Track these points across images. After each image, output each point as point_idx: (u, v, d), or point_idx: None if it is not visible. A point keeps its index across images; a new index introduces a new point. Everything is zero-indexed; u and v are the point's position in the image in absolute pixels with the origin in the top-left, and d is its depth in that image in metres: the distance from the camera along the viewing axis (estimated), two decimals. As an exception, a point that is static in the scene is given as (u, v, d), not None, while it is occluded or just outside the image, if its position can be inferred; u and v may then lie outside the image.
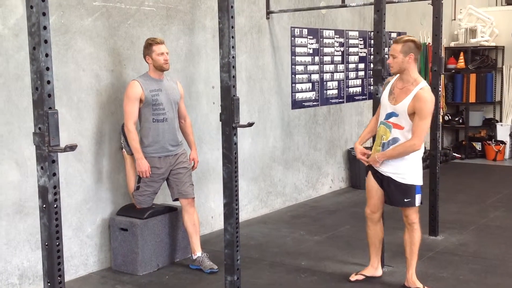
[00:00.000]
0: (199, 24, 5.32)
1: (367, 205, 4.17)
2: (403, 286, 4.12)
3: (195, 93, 5.34)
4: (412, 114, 3.80)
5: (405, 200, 3.92)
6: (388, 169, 3.93)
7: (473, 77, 9.63)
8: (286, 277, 4.38)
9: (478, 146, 9.75)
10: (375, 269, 4.31)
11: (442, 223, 5.46)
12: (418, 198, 3.94)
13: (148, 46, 4.38)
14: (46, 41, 2.22)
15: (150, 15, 4.82)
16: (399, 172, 3.90)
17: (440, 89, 5.27)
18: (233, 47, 3.11)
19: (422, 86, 3.84)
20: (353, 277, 4.29)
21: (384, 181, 3.98)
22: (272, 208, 6.30)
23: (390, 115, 3.92)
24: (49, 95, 2.24)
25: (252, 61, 5.97)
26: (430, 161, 5.38)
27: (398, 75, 3.96)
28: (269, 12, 6.11)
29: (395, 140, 3.88)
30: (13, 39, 3.89)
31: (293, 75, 6.54)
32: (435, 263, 4.63)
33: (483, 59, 9.66)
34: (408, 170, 3.90)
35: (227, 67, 3.11)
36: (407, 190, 3.91)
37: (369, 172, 4.09)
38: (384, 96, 3.99)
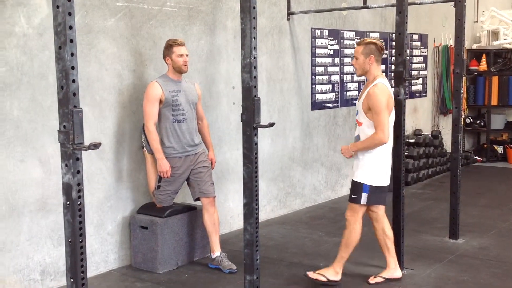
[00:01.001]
0: (220, 24, 5.35)
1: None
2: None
3: (216, 93, 5.36)
4: (368, 111, 3.95)
5: (352, 196, 4.08)
6: (353, 173, 4.12)
7: (495, 79, 9.53)
8: (305, 278, 4.38)
9: (499, 149, 9.64)
10: (393, 270, 4.30)
11: (463, 226, 5.42)
12: (364, 197, 4.02)
13: (169, 47, 4.41)
14: (71, 41, 2.25)
15: (172, 15, 4.86)
16: (353, 170, 4.10)
17: (462, 91, 5.22)
18: (254, 47, 3.11)
19: (376, 83, 3.97)
20: (372, 280, 4.27)
21: None
22: (291, 209, 6.30)
23: (356, 113, 4.14)
24: (74, 94, 2.27)
25: (272, 61, 5.98)
26: (451, 164, 5.34)
27: None
28: (290, 13, 6.11)
29: (358, 137, 4.09)
30: (38, 38, 3.95)
31: (313, 76, 6.53)
32: (455, 267, 4.59)
33: (506, 62, 9.56)
34: (360, 168, 4.03)
35: (249, 68, 3.11)
36: (355, 186, 4.06)
37: None
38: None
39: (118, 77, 4.49)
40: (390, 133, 4.02)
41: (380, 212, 4.22)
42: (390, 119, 3.99)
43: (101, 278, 4.39)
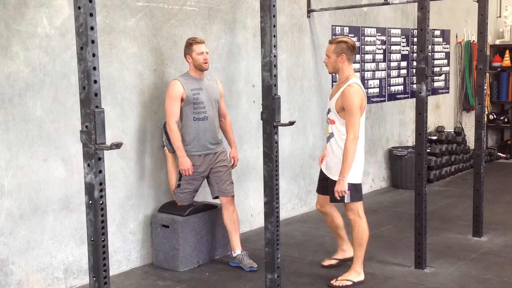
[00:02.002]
0: (240, 23, 5.35)
1: (316, 200, 4.47)
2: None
3: (236, 91, 5.37)
4: (341, 111, 4.00)
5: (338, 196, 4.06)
6: (328, 171, 4.17)
7: (519, 75, 9.39)
8: (326, 276, 4.36)
9: (523, 145, 9.50)
10: (344, 252, 4.54)
11: (487, 224, 5.35)
12: (347, 195, 4.04)
13: (189, 45, 4.42)
14: (93, 41, 2.26)
15: (192, 14, 4.87)
16: (332, 171, 4.12)
17: (485, 87, 5.16)
18: (274, 46, 3.10)
19: (351, 83, 4.02)
20: (326, 262, 4.52)
21: (327, 181, 4.20)
22: (312, 207, 6.27)
23: (328, 111, 4.19)
24: (96, 94, 2.28)
25: (292, 59, 5.97)
26: (474, 161, 5.27)
27: None
28: (310, 11, 6.09)
29: (331, 134, 4.14)
30: (60, 39, 3.99)
31: (333, 74, 6.49)
32: (479, 265, 4.53)
33: (530, 57, 9.40)
34: (338, 168, 4.03)
35: (269, 66, 3.11)
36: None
37: (320, 173, 4.36)
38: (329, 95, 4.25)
39: (139, 76, 4.51)
40: (362, 132, 4.07)
41: (327, 207, 4.38)
42: (361, 119, 4.04)
43: (123, 276, 4.43)
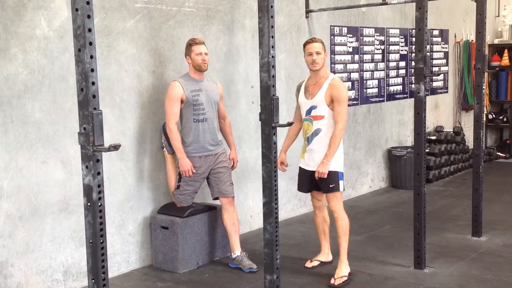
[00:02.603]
0: (238, 24, 5.35)
1: (311, 196, 4.54)
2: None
3: (234, 92, 5.37)
4: (330, 103, 4.20)
5: (330, 186, 4.23)
6: (316, 165, 4.26)
7: (517, 74, 9.39)
8: (326, 277, 4.37)
9: (523, 145, 9.50)
10: (327, 255, 4.65)
11: (486, 223, 5.35)
12: (341, 184, 4.27)
13: (188, 46, 4.43)
14: (91, 43, 2.26)
15: (191, 16, 4.87)
16: (317, 161, 4.26)
17: (483, 87, 5.15)
18: (272, 46, 3.11)
19: (333, 77, 4.30)
20: (309, 264, 4.57)
21: (314, 175, 4.29)
22: (311, 207, 6.25)
23: (309, 110, 4.29)
24: (94, 96, 2.28)
25: (291, 60, 5.97)
26: (473, 160, 5.27)
27: (307, 78, 4.41)
28: (308, 11, 6.09)
29: (317, 131, 4.26)
30: (58, 41, 3.99)
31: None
32: (478, 265, 4.53)
33: (528, 56, 9.41)
34: (333, 162, 4.21)
35: (267, 67, 3.11)
36: (331, 176, 4.22)
37: (300, 172, 4.47)
38: (301, 97, 4.38)
39: (138, 78, 4.51)
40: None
41: (324, 201, 4.49)
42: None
43: (123, 278, 4.42)
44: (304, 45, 4.34)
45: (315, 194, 4.49)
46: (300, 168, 4.45)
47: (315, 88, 4.27)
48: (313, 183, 4.37)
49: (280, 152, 4.44)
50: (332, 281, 4.23)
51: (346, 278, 4.24)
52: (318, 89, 4.25)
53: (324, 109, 4.22)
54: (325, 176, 4.17)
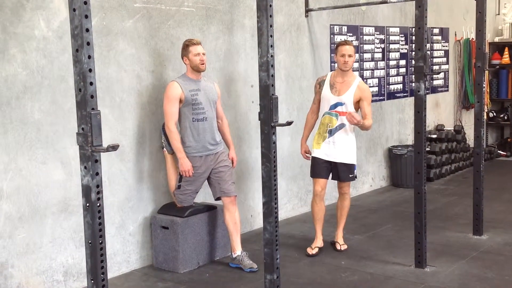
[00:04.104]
0: (238, 23, 5.34)
1: (317, 183, 4.84)
2: (332, 242, 5.04)
3: (234, 92, 5.36)
4: (356, 102, 4.69)
5: (350, 176, 4.84)
6: (340, 157, 4.77)
7: (518, 72, 9.38)
8: (326, 276, 4.36)
9: (524, 143, 9.48)
10: (322, 241, 4.99)
11: (487, 222, 5.34)
12: (356, 174, 4.96)
13: (185, 47, 4.42)
14: (88, 43, 2.26)
15: (190, 15, 4.86)
16: (347, 156, 4.78)
17: (484, 85, 5.14)
18: (271, 46, 3.10)
19: (360, 80, 4.78)
20: (310, 251, 4.87)
21: (334, 165, 4.80)
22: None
23: (335, 105, 4.72)
24: (92, 96, 2.28)
25: (291, 59, 5.96)
26: (474, 159, 5.26)
27: (332, 72, 4.88)
28: (308, 10, 6.08)
29: (342, 125, 4.72)
30: (57, 41, 3.98)
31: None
32: (479, 263, 4.53)
33: (529, 54, 9.39)
34: (348, 151, 4.79)
35: (266, 66, 3.10)
36: (351, 168, 4.83)
37: (317, 161, 4.83)
38: (326, 91, 4.76)
39: (137, 78, 4.51)
40: None
41: (325, 191, 4.95)
42: None
43: (123, 279, 4.42)
44: (337, 46, 4.75)
45: (321, 183, 4.84)
46: (316, 158, 4.83)
47: (343, 86, 4.70)
48: (328, 172, 4.84)
49: (301, 143, 4.98)
50: (338, 246, 4.94)
51: (346, 246, 4.98)
52: (347, 88, 4.69)
53: (351, 107, 4.67)
54: (354, 119, 4.49)
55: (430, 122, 8.21)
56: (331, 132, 4.72)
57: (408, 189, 6.96)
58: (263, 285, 3.39)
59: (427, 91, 4.37)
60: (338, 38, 6.51)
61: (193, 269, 4.55)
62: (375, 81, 7.13)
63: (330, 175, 4.88)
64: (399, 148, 7.32)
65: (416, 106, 4.36)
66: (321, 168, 4.80)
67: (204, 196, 4.97)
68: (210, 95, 4.52)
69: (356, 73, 4.66)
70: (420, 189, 4.41)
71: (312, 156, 4.87)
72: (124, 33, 4.37)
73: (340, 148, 4.74)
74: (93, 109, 2.28)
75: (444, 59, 8.51)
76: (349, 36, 6.66)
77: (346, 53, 4.64)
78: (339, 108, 4.69)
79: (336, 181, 4.95)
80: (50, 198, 4.02)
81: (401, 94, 7.62)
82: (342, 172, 4.80)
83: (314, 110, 4.91)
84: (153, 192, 4.71)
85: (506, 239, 5.12)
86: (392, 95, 7.45)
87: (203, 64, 4.42)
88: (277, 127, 3.18)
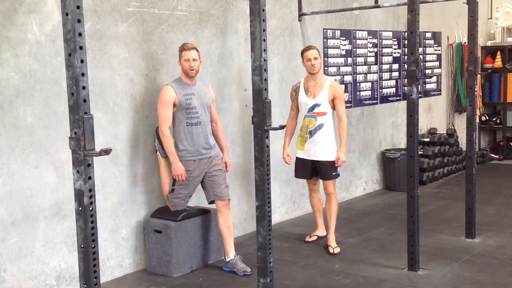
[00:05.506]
0: (231, 27, 5.35)
1: (308, 182, 5.24)
2: (325, 246, 5.09)
3: (228, 95, 5.37)
4: (330, 101, 4.93)
5: (333, 174, 5.03)
6: (321, 155, 4.98)
7: (510, 76, 9.43)
8: (320, 279, 4.37)
9: (516, 146, 9.53)
10: (322, 230, 5.32)
11: (479, 225, 5.36)
12: (338, 172, 5.11)
13: (179, 52, 4.43)
14: (81, 48, 2.26)
15: (183, 19, 4.87)
16: (327, 154, 4.98)
17: (476, 89, 5.17)
18: (264, 50, 3.11)
19: (331, 79, 5.06)
20: (309, 239, 5.26)
21: (317, 164, 5.02)
22: (305, 210, 6.27)
23: (313, 108, 4.96)
24: (84, 100, 2.28)
25: (284, 63, 5.97)
26: (466, 162, 5.29)
27: (304, 78, 5.10)
28: (301, 14, 6.10)
29: (320, 125, 4.95)
30: (50, 45, 3.98)
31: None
32: (471, 266, 4.54)
33: (521, 58, 9.45)
34: (329, 149, 4.98)
35: (259, 70, 3.11)
36: (332, 165, 4.99)
37: (301, 161, 5.11)
38: (302, 96, 5.02)
39: (131, 82, 4.51)
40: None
41: (318, 185, 5.22)
42: None
43: (116, 283, 4.41)
44: (302, 52, 4.98)
45: (312, 180, 5.18)
46: (299, 158, 5.11)
47: (317, 89, 4.95)
48: (313, 170, 5.07)
49: (283, 148, 5.15)
50: (331, 250, 4.96)
51: (339, 250, 4.99)
52: (320, 89, 4.93)
53: (326, 107, 4.93)
54: (341, 163, 4.92)
55: (423, 126, 8.24)
56: (311, 133, 4.98)
57: (401, 192, 6.98)
58: (256, 288, 3.39)
59: (419, 95, 4.39)
60: (331, 42, 6.54)
61: (187, 273, 4.54)
62: (368, 85, 7.15)
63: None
64: (392, 152, 7.34)
65: (408, 109, 4.38)
66: (305, 168, 5.09)
67: (198, 200, 4.97)
68: (204, 99, 4.52)
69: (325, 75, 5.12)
70: (413, 192, 4.42)
71: (296, 157, 5.14)
72: (117, 37, 4.37)
73: (320, 147, 4.96)
74: (85, 113, 2.28)
75: (437, 63, 8.55)
76: (342, 40, 6.68)
77: (311, 57, 4.88)
78: (316, 110, 4.95)
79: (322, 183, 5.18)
80: (43, 202, 4.00)
81: (394, 98, 7.65)
82: (324, 171, 5.00)
83: (293, 116, 5.18)
84: (146, 196, 4.71)
85: (498, 242, 5.14)
86: (385, 99, 7.48)
87: (192, 70, 4.40)
88: (270, 131, 3.19)
